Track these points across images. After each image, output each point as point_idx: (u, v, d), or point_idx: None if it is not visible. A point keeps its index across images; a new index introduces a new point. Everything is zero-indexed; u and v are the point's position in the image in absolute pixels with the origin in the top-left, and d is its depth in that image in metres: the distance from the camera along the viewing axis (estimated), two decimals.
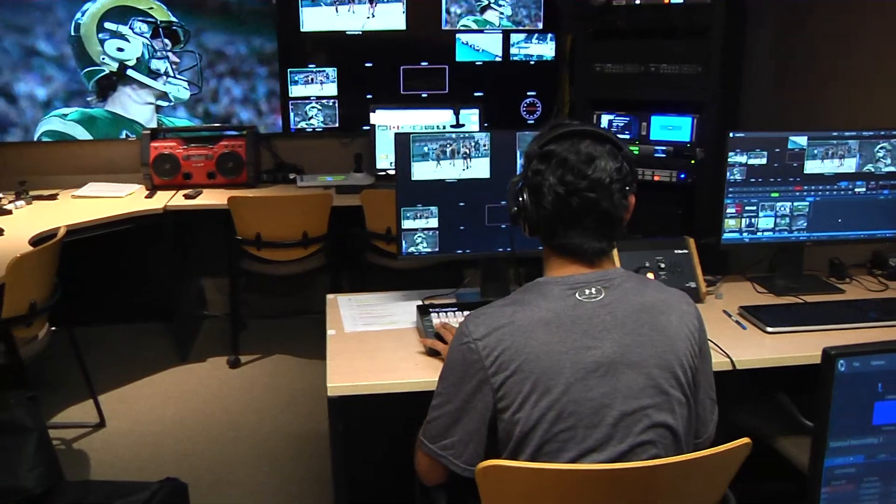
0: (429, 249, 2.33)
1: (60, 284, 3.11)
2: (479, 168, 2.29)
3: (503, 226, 2.32)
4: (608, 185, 1.49)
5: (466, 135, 2.28)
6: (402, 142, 2.24)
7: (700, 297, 2.41)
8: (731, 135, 2.43)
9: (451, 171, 2.28)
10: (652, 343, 1.48)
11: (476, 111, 4.22)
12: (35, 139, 4.09)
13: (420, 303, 2.28)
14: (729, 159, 2.43)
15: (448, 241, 2.32)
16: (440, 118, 4.21)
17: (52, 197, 3.82)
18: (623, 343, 1.46)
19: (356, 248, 3.94)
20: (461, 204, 2.30)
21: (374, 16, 4.15)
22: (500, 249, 2.34)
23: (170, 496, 2.43)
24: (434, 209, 2.30)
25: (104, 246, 3.68)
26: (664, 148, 3.46)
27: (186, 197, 3.80)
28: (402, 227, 2.30)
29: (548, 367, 1.43)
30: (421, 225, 2.30)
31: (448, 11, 4.22)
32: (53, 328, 3.11)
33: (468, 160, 2.28)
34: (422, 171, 2.27)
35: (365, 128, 4.15)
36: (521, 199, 1.59)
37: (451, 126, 4.12)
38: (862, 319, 2.23)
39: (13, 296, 2.70)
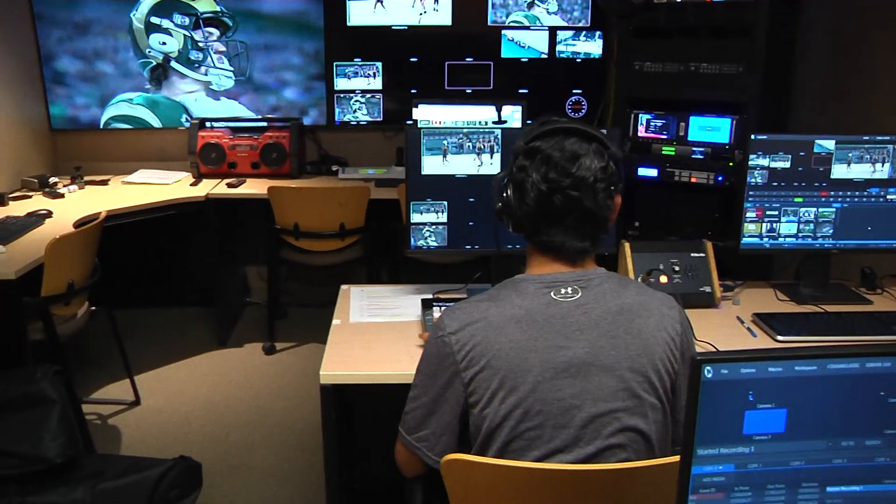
0: (437, 244, 2.34)
1: (101, 266, 3.24)
2: (492, 164, 2.29)
3: None
4: (592, 184, 1.48)
5: (479, 131, 2.27)
6: (413, 136, 2.26)
7: (714, 302, 2.36)
8: (752, 137, 2.36)
9: (461, 166, 2.28)
10: (626, 346, 1.46)
11: (519, 108, 4.22)
12: (102, 123, 4.26)
13: (425, 297, 2.29)
14: (750, 162, 2.36)
15: (457, 236, 2.33)
16: (483, 114, 4.20)
17: (104, 182, 3.98)
18: (596, 345, 1.44)
19: (393, 240, 3.98)
20: (471, 200, 2.30)
21: (432, 10, 4.17)
22: (510, 246, 2.33)
23: (182, 474, 2.52)
24: (444, 204, 2.31)
25: (154, 231, 3.84)
26: (702, 149, 3.38)
27: (229, 186, 3.91)
28: (411, 221, 2.32)
29: (516, 364, 1.42)
30: (430, 219, 2.32)
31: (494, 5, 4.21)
32: (93, 308, 3.25)
33: (480, 156, 2.28)
34: (432, 165, 2.28)
35: (408, 122, 4.19)
36: (504, 194, 1.59)
37: (494, 122, 4.12)
38: (882, 332, 2.15)
39: (52, 275, 2.83)
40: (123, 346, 3.40)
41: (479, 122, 4.11)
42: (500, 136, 2.27)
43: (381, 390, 1.92)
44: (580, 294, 1.48)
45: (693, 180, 3.42)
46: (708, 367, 0.84)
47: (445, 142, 2.26)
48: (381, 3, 4.15)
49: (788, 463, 0.89)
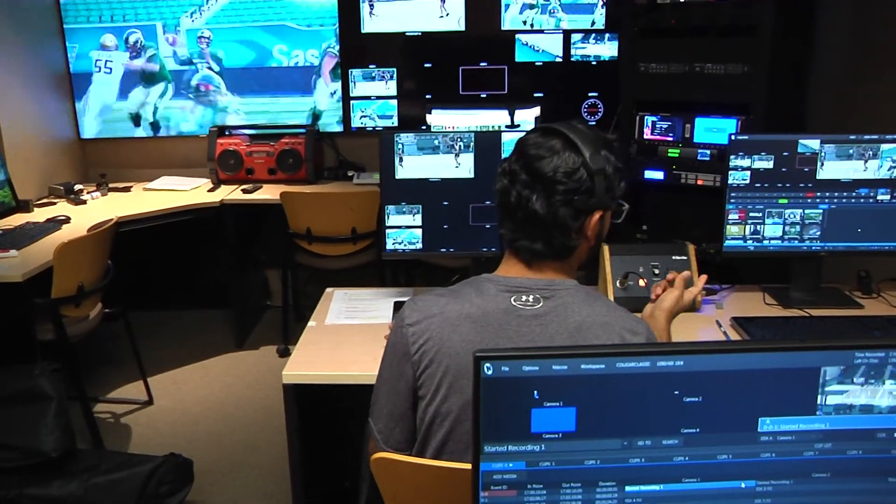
0: (413, 247, 2.36)
1: (125, 269, 3.37)
2: (465, 167, 2.31)
3: (487, 225, 2.32)
4: (549, 185, 1.42)
5: (452, 134, 2.29)
6: (387, 140, 2.29)
7: (695, 306, 2.32)
8: (732, 137, 2.33)
9: (435, 170, 2.30)
10: None
11: (532, 111, 4.23)
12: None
13: (399, 299, 2.32)
14: (730, 163, 2.32)
15: (432, 239, 2.35)
16: (496, 119, 4.22)
17: (127, 189, 4.13)
18: None
19: None
20: (445, 203, 2.32)
21: (448, 13, 4.22)
22: (485, 249, 2.35)
23: (172, 470, 2.60)
24: (418, 207, 2.33)
25: (175, 235, 3.95)
26: (708, 151, 3.32)
27: (244, 191, 4.00)
28: (386, 224, 2.34)
29: (463, 365, 1.40)
30: (405, 222, 2.34)
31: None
32: (107, 310, 3.36)
33: (457, 158, 2.30)
34: (406, 169, 2.30)
35: (423, 128, 4.23)
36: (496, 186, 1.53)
37: (507, 127, 4.13)
38: (863, 337, 2.09)
39: (61, 278, 2.94)
40: (137, 348, 3.51)
41: (492, 127, 4.13)
42: (473, 139, 2.29)
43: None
44: (541, 304, 1.42)
45: (699, 182, 3.37)
46: (487, 364, 0.83)
47: (416, 146, 2.29)
48: (372, 11, 4.19)
49: (582, 462, 0.88)
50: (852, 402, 0.88)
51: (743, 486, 0.91)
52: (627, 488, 0.89)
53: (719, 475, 0.90)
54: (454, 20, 4.23)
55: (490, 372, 0.83)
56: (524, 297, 1.43)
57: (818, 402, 0.88)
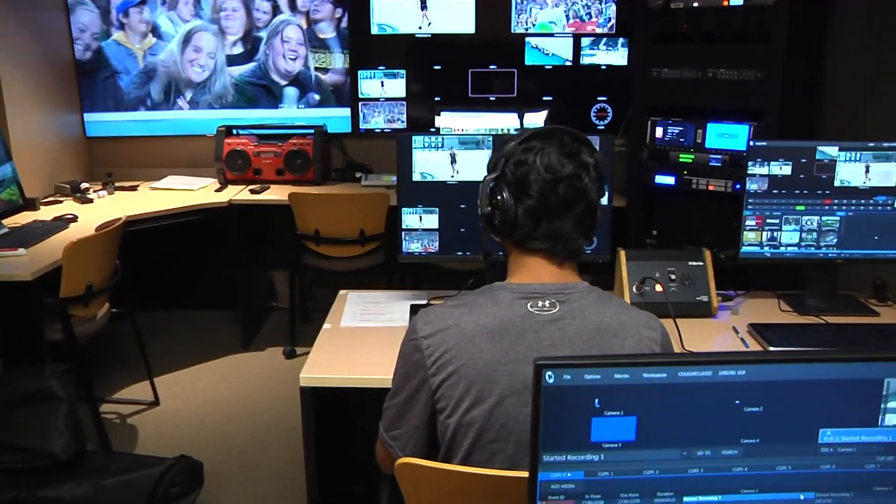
0: (429, 250, 2.35)
1: (132, 269, 3.35)
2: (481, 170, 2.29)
3: None
4: (591, 175, 1.47)
5: (470, 137, 2.28)
6: (404, 143, 2.28)
7: (711, 312, 2.32)
8: (751, 143, 2.32)
9: (451, 172, 2.29)
10: None
11: (541, 115, 4.22)
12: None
13: (416, 302, 2.31)
14: (748, 169, 2.32)
15: (448, 242, 2.34)
16: (505, 122, 4.22)
17: (133, 188, 4.10)
18: None
19: None
20: (462, 206, 2.31)
21: (430, 23, 4.23)
22: (500, 253, 2.33)
23: (183, 472, 2.58)
24: (435, 210, 2.32)
25: (182, 235, 3.92)
26: (720, 157, 3.32)
27: (252, 192, 3.98)
28: (403, 227, 2.33)
29: (484, 375, 1.40)
30: (421, 225, 2.33)
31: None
32: (114, 310, 3.34)
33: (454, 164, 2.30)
34: (423, 171, 2.29)
35: (431, 130, 4.22)
36: (498, 196, 1.51)
37: (516, 130, 4.12)
38: (880, 345, 2.08)
39: (70, 277, 2.92)
40: (145, 348, 3.49)
41: (501, 130, 4.12)
42: (491, 142, 2.28)
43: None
44: (558, 308, 1.42)
45: (711, 188, 3.36)
46: (549, 372, 0.82)
47: (430, 148, 2.28)
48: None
49: (641, 472, 0.87)
50: None
51: (802, 497, 0.89)
52: (686, 499, 0.88)
53: (779, 486, 0.89)
54: (436, 28, 4.23)
55: (552, 380, 0.82)
56: (540, 303, 1.43)
57: (881, 414, 0.87)
